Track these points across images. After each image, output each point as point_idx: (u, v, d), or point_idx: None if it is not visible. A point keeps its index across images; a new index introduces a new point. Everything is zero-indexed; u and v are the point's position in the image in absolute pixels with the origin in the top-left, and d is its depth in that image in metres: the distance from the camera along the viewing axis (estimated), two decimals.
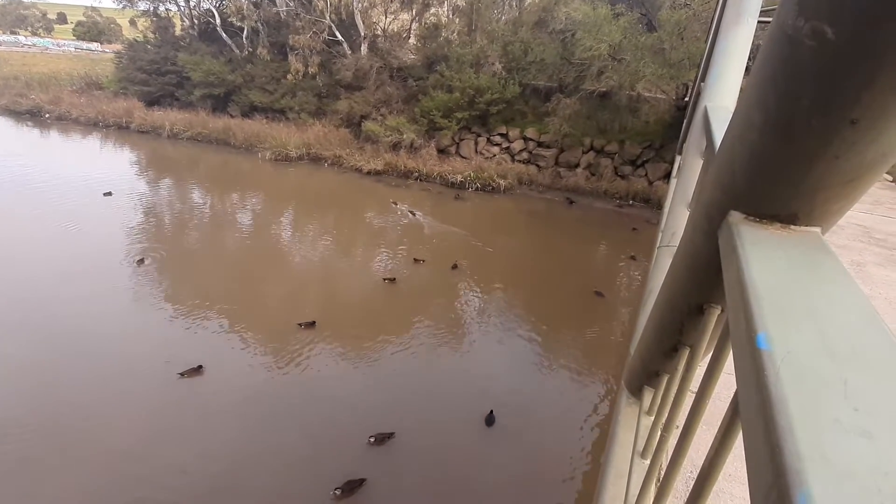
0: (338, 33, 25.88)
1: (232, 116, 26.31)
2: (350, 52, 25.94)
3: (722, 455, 0.84)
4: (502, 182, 21.40)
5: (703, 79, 4.39)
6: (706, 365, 1.34)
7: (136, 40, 30.80)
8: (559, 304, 12.00)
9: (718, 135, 2.15)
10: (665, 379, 1.73)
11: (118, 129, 26.30)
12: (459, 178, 21.40)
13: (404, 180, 21.90)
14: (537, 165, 23.02)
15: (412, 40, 28.07)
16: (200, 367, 8.29)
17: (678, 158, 9.27)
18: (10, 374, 7.81)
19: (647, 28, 20.29)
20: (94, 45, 57.65)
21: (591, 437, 7.75)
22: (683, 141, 7.62)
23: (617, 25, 18.80)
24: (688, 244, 1.29)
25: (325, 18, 25.47)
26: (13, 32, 66.29)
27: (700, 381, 1.24)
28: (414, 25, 27.99)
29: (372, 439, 7.05)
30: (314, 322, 9.82)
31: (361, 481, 6.38)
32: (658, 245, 4.39)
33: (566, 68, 21.67)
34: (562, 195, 21.52)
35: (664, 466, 1.55)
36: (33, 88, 30.19)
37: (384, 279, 12.16)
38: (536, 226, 18.58)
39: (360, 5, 25.52)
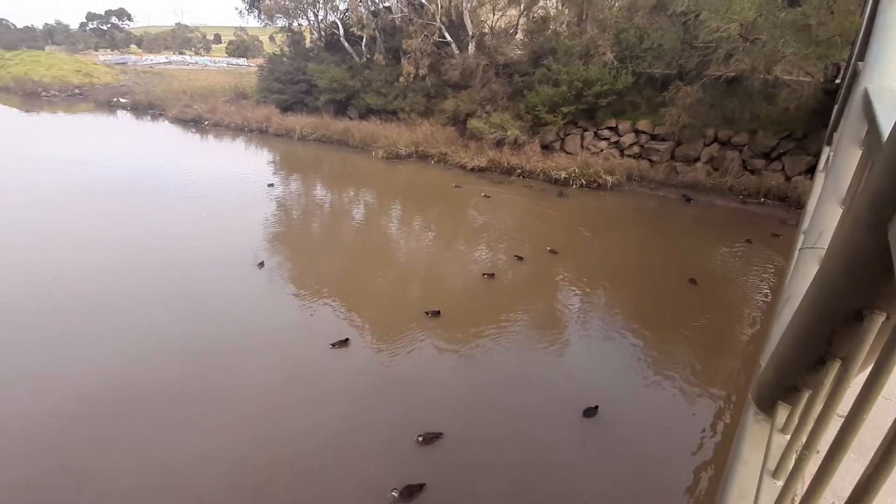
0: (447, 34, 26.71)
1: (351, 119, 28.66)
2: (458, 51, 26.61)
3: (873, 487, 0.78)
4: (609, 178, 20.39)
5: (860, 57, 3.81)
6: (849, 378, 1.22)
7: (274, 54, 34.95)
8: (669, 309, 11.18)
9: (884, 119, 1.92)
10: (806, 395, 1.59)
11: (259, 133, 30.23)
12: (563, 174, 20.85)
13: (507, 177, 21.95)
14: (650, 160, 21.50)
15: (519, 35, 27.88)
16: (347, 339, 9.26)
17: (826, 149, 8.09)
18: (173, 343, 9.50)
19: (788, 2, 17.72)
20: (242, 61, 66.63)
21: (705, 450, 7.15)
22: (834, 129, 6.64)
23: (751, 2, 16.74)
24: (845, 243, 1.21)
25: (435, 21, 26.44)
26: (181, 53, 79.31)
27: (845, 397, 1.15)
28: (521, 20, 27.75)
29: (420, 438, 7.00)
30: (439, 311, 10.32)
31: (421, 486, 6.28)
32: (799, 247, 3.94)
33: (687, 53, 19.88)
34: (677, 192, 19.85)
35: (800, 491, 1.45)
36: (195, 100, 35.90)
37: (483, 274, 12.39)
38: (646, 224, 17.42)
39: (468, 5, 26.02)
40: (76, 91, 46.43)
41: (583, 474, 6.77)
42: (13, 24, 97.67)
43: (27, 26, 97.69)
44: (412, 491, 6.20)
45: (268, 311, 10.59)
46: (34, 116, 37.38)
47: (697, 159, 20.70)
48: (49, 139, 28.08)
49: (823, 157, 7.11)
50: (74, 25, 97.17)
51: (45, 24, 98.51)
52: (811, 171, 17.55)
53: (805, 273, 3.05)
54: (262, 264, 12.54)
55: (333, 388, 8.19)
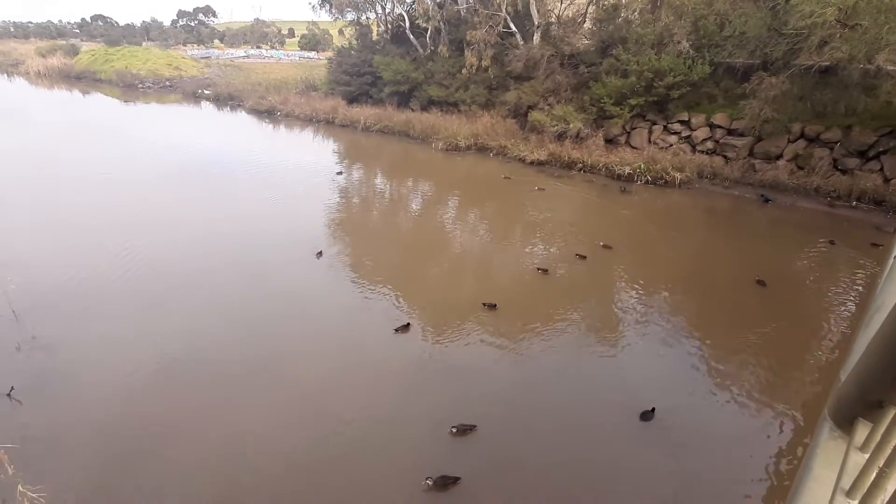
0: (512, 25, 26.42)
1: (413, 110, 29.22)
2: (522, 42, 26.25)
3: None
4: (678, 175, 19.42)
5: None
6: None
7: (343, 47, 36.24)
8: (737, 315, 10.61)
9: None
10: (891, 412, 1.52)
11: (326, 124, 31.64)
12: (627, 169, 20.13)
13: (567, 171, 21.53)
14: (725, 156, 20.21)
15: (587, 24, 26.99)
16: (408, 324, 9.79)
17: None
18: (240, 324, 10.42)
19: None
20: (312, 54, 69.54)
21: (768, 464, 6.86)
22: None
23: None
24: None
25: (500, 11, 26.21)
26: (258, 47, 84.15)
27: None
28: (590, 9, 26.82)
29: (454, 430, 7.13)
30: (496, 304, 10.52)
31: (455, 479, 6.34)
32: (895, 254, 3.70)
33: (774, 41, 18.35)
34: (754, 191, 18.57)
35: None
36: (270, 92, 38.11)
37: (537, 269, 12.38)
38: (716, 225, 16.49)
39: None
40: (167, 83, 50.76)
41: (631, 480, 6.68)
42: (116, 22, 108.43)
43: (128, 24, 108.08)
44: (446, 482, 6.29)
45: (329, 295, 11.22)
46: (132, 106, 41.44)
47: (780, 157, 19.20)
48: (142, 127, 31.04)
49: None
50: (167, 23, 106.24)
51: (143, 21, 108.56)
52: None
53: None
54: (320, 254, 12.87)
55: (393, 371, 8.64)
